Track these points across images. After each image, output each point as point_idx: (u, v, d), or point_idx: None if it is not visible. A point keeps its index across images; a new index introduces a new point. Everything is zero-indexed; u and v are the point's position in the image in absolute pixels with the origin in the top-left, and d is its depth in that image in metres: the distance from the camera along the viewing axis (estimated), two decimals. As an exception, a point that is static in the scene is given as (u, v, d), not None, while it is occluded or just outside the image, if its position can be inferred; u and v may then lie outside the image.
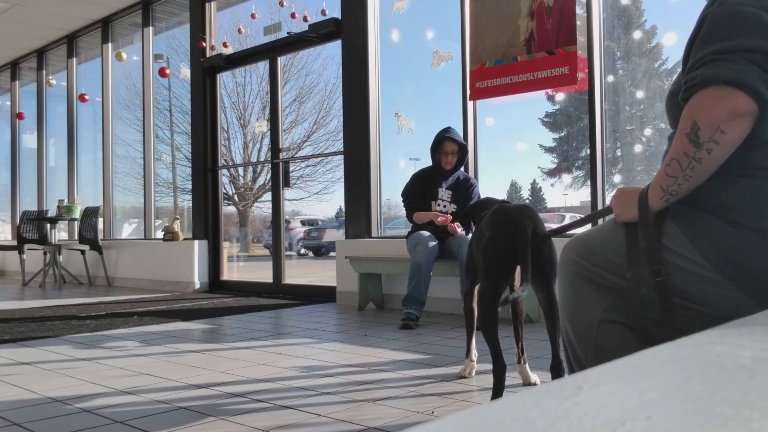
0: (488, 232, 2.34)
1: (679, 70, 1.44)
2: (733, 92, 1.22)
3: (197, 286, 6.98)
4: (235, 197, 17.82)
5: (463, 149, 4.49)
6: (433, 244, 4.31)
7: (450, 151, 4.42)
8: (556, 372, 2.29)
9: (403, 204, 4.66)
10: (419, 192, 4.56)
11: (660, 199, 1.34)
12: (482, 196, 4.58)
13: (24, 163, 10.65)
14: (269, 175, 7.14)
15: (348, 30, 5.78)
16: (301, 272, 11.01)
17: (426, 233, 4.39)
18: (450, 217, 4.35)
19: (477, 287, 2.68)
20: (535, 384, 2.60)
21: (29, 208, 9.61)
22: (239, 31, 7.26)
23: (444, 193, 4.51)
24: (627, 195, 1.41)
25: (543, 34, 4.52)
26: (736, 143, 1.26)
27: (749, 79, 1.21)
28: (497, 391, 2.27)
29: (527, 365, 2.63)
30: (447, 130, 4.49)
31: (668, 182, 1.31)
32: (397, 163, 6.29)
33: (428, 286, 4.34)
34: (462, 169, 4.63)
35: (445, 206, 4.50)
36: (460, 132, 4.91)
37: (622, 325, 1.40)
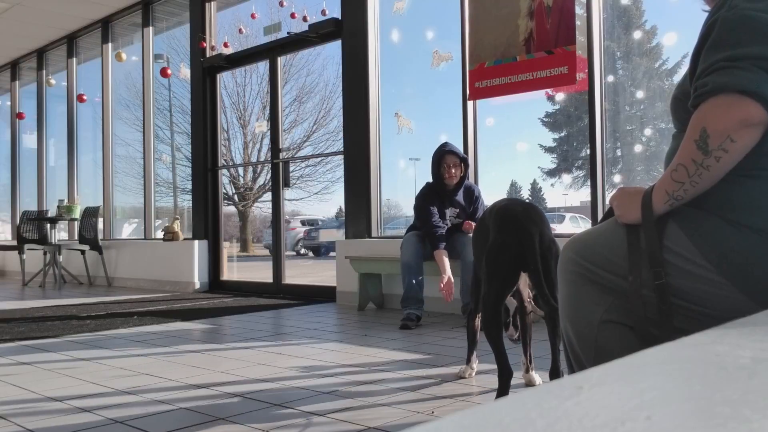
0: (492, 234, 2.29)
1: (680, 71, 1.44)
2: (744, 101, 1.21)
3: (197, 286, 6.98)
4: (235, 197, 17.82)
5: (464, 162, 4.39)
6: (419, 242, 4.30)
7: (452, 164, 4.31)
8: (555, 378, 2.29)
9: (426, 232, 4.30)
10: (430, 208, 4.34)
11: (664, 203, 1.33)
12: (484, 201, 4.57)
13: (24, 163, 10.64)
14: (269, 175, 7.14)
15: (348, 30, 5.78)
16: (301, 272, 11.01)
17: (415, 233, 4.38)
18: (452, 291, 4.13)
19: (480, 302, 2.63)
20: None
21: (29, 208, 9.61)
22: (239, 31, 7.26)
23: (451, 212, 4.45)
24: (629, 195, 1.40)
25: (542, 34, 4.52)
26: (745, 152, 1.25)
27: (761, 88, 1.20)
28: (501, 396, 2.26)
29: (534, 373, 2.60)
30: (445, 144, 4.37)
31: (674, 187, 1.31)
32: (397, 163, 6.30)
33: (422, 283, 4.34)
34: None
35: (451, 222, 4.45)
36: (460, 135, 4.90)
37: (623, 325, 1.40)
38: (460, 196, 4.43)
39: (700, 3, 1.51)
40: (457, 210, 4.42)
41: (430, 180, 4.45)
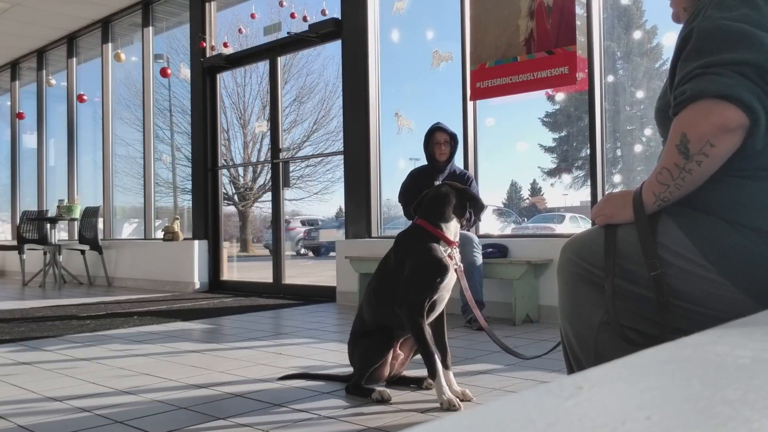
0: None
1: (665, 79, 1.45)
2: (722, 106, 1.22)
3: (197, 286, 6.98)
4: (235, 197, 17.81)
5: (453, 140, 4.53)
6: None
7: (442, 141, 4.48)
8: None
9: (400, 203, 4.66)
10: (416, 189, 4.57)
11: (653, 203, 1.36)
12: (480, 195, 4.61)
13: (24, 163, 10.65)
14: (269, 175, 7.14)
15: (348, 30, 5.78)
16: (301, 272, 11.01)
17: None
18: None
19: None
20: (465, 399, 2.34)
21: (29, 208, 9.61)
22: (239, 31, 7.26)
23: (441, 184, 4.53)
24: (619, 197, 1.43)
25: (543, 34, 4.52)
26: (726, 155, 1.26)
27: (738, 92, 1.21)
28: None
29: (450, 372, 2.40)
30: (436, 123, 4.56)
31: (660, 189, 1.33)
32: (397, 163, 6.29)
33: None
34: (456, 163, 4.65)
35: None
36: (460, 135, 4.93)
37: (623, 326, 1.40)
38: (450, 173, 4.56)
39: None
40: None
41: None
